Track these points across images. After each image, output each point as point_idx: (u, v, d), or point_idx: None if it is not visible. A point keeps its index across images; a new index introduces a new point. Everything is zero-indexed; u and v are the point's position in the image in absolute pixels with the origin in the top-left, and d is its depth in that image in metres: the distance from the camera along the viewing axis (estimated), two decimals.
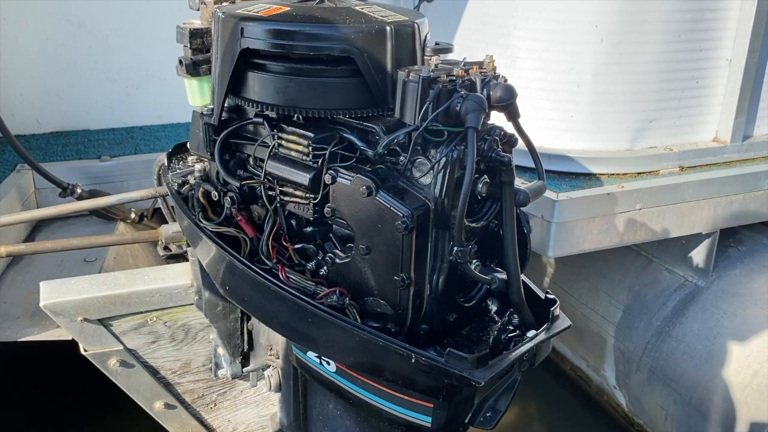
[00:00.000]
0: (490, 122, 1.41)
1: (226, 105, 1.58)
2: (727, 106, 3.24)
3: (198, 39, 1.66)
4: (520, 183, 1.41)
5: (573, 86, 3.06)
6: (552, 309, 1.46)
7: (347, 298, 1.43)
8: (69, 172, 3.24)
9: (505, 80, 1.36)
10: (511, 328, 1.45)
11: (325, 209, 1.44)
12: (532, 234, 1.56)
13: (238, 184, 1.60)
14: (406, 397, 1.42)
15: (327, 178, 1.41)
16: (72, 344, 2.32)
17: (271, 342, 1.92)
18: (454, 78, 1.31)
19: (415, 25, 1.47)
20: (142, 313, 2.29)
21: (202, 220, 1.66)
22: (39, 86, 3.78)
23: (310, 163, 1.44)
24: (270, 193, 1.54)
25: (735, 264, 3.44)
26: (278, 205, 1.54)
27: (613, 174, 3.11)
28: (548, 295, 1.50)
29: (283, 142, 1.49)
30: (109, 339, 2.30)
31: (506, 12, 3.11)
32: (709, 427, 3.15)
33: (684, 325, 3.32)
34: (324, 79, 1.42)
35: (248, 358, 2.09)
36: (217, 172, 1.66)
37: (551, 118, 3.13)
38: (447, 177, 1.32)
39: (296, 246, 1.55)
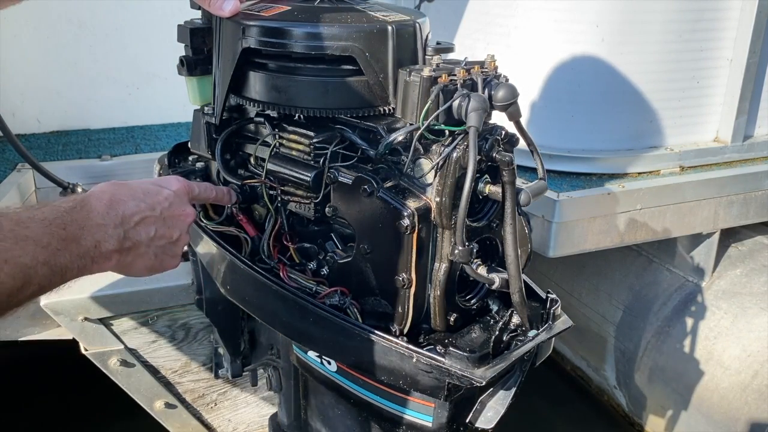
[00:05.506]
0: (491, 122, 1.41)
1: (227, 104, 1.59)
2: (727, 106, 3.23)
3: (199, 38, 1.65)
4: (521, 182, 1.41)
5: (573, 86, 3.06)
6: (553, 309, 1.46)
7: (348, 298, 1.43)
8: (69, 171, 3.23)
9: (507, 80, 1.37)
10: (513, 327, 1.45)
11: (327, 209, 1.44)
12: (533, 234, 1.56)
13: (239, 184, 1.60)
14: (407, 397, 1.42)
15: (328, 178, 1.41)
16: (72, 344, 2.32)
17: (271, 341, 1.92)
18: (455, 77, 1.31)
19: (417, 24, 1.47)
20: (142, 312, 2.30)
21: (202, 219, 1.66)
22: (39, 85, 3.77)
23: (312, 162, 1.44)
24: (271, 192, 1.54)
25: (735, 264, 3.44)
26: (279, 204, 1.54)
27: (613, 174, 3.10)
28: (549, 295, 1.50)
29: (285, 142, 1.49)
30: (110, 338, 2.31)
31: (506, 12, 3.10)
32: (709, 427, 3.15)
33: (684, 325, 3.32)
34: (325, 78, 1.42)
35: (249, 357, 2.09)
36: (218, 172, 1.66)
37: (551, 118, 3.13)
38: (448, 177, 1.32)
39: (297, 245, 1.55)
